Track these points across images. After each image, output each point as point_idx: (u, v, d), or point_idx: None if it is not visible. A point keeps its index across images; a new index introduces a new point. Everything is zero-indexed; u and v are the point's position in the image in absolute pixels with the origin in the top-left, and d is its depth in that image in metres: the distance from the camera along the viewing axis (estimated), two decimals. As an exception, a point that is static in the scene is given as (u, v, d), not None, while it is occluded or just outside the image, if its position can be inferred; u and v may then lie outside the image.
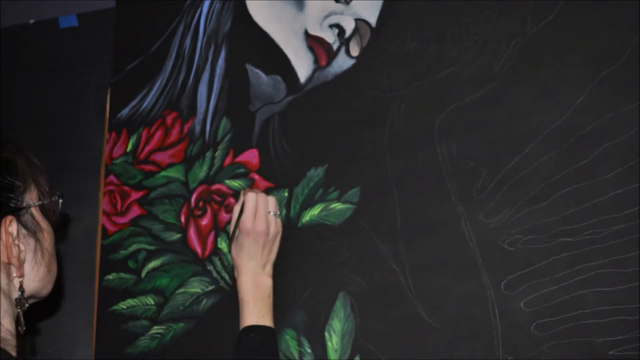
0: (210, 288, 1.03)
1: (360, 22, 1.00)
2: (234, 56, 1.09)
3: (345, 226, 0.95)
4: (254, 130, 1.05)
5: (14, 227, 0.74)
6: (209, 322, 1.02)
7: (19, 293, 0.75)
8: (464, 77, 0.91)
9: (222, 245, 1.04)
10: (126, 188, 1.15)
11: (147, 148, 1.14)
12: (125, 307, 1.10)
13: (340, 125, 0.98)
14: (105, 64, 1.24)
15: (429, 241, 0.89)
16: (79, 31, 1.32)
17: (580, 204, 0.82)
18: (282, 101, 1.03)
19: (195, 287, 1.04)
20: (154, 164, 1.12)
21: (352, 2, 1.01)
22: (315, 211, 0.97)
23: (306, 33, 1.03)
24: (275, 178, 1.01)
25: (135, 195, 1.13)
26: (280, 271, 0.97)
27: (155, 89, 1.15)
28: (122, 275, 1.11)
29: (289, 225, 0.99)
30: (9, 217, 0.74)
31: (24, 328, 0.75)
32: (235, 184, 1.04)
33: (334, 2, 1.02)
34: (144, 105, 1.16)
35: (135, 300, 1.09)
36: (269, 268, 0.94)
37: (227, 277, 1.02)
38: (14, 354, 0.72)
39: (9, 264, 0.74)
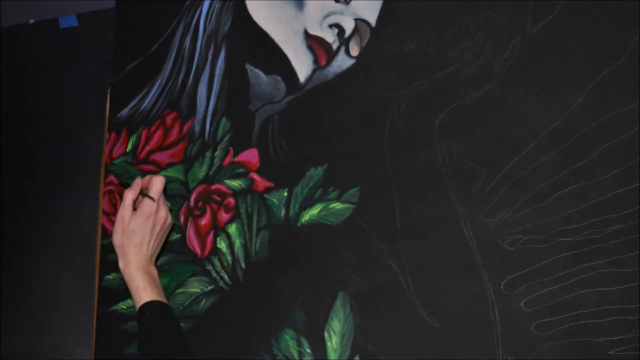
0: (209, 288, 1.03)
1: (360, 22, 1.00)
2: (233, 56, 1.09)
3: (344, 226, 0.95)
4: (254, 130, 1.05)
5: None
6: (208, 322, 1.02)
7: None
8: (464, 77, 0.91)
9: (222, 245, 1.03)
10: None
11: (147, 148, 1.14)
12: (125, 307, 1.10)
13: (339, 125, 0.98)
14: (105, 64, 1.24)
15: (428, 241, 0.89)
16: (79, 31, 1.32)
17: (580, 204, 0.82)
18: (281, 101, 1.03)
19: (195, 287, 1.04)
20: (153, 163, 1.12)
21: (352, 2, 1.00)
22: (314, 211, 0.97)
23: (306, 33, 1.03)
24: (275, 178, 1.01)
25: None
26: (280, 271, 0.97)
27: (155, 88, 1.15)
28: (122, 275, 1.11)
29: (288, 225, 0.99)
30: None
31: None
32: (235, 183, 1.04)
33: (333, 2, 1.02)
34: (144, 105, 1.16)
35: (135, 300, 1.09)
36: (154, 260, 0.98)
37: (226, 277, 1.02)
38: None
39: None
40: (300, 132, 1.01)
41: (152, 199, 0.95)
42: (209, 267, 1.04)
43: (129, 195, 0.96)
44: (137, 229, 0.95)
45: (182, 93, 1.13)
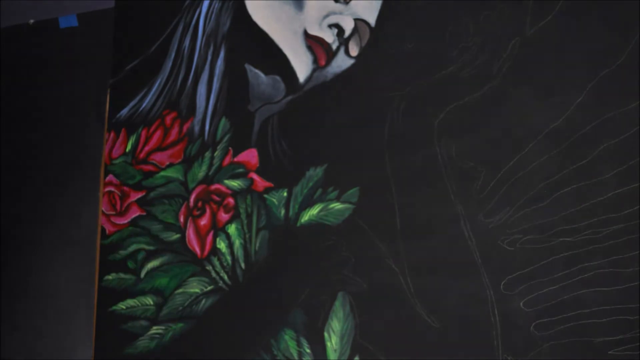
0: (209, 288, 1.03)
1: (359, 22, 1.00)
2: (233, 56, 1.09)
3: (344, 226, 0.95)
4: (253, 130, 1.05)
5: None
6: (207, 322, 1.02)
7: None
8: (463, 76, 0.91)
9: (221, 245, 1.04)
10: (125, 188, 1.15)
11: (147, 148, 1.14)
12: (124, 307, 1.10)
13: (339, 125, 0.98)
14: (105, 64, 1.24)
15: (428, 241, 0.89)
16: (79, 31, 1.32)
17: (580, 203, 0.82)
18: (281, 101, 1.03)
19: (194, 287, 1.04)
20: (153, 164, 1.12)
21: (352, 2, 1.00)
22: (314, 211, 0.97)
23: (305, 33, 1.03)
24: (274, 178, 1.01)
25: (135, 195, 1.13)
26: (280, 271, 0.97)
27: (154, 88, 1.15)
28: (122, 275, 1.11)
29: (288, 225, 0.99)
30: None
31: None
32: (234, 183, 1.04)
33: (333, 2, 1.02)
34: (143, 105, 1.16)
35: (135, 300, 1.09)
36: None
37: (225, 277, 1.02)
38: None
39: None
40: (299, 132, 1.01)
41: None
42: (209, 267, 1.04)
43: None
44: None
45: (181, 93, 1.13)
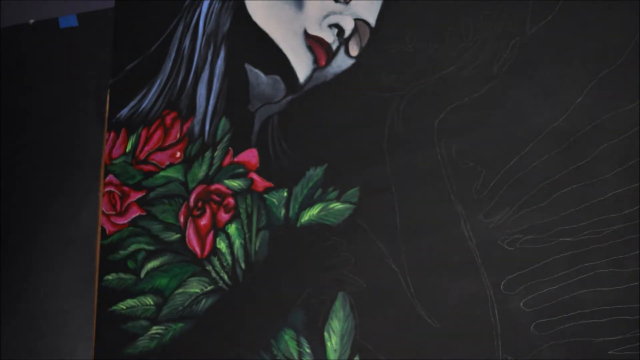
0: (209, 288, 1.03)
1: (359, 22, 1.00)
2: (233, 56, 1.09)
3: (344, 226, 0.95)
4: (253, 130, 1.05)
5: None
6: (207, 322, 1.02)
7: None
8: (463, 76, 0.91)
9: (221, 245, 1.04)
10: (125, 188, 1.15)
11: (147, 148, 1.14)
12: (124, 307, 1.10)
13: (339, 125, 0.98)
14: (105, 64, 1.24)
15: (428, 241, 0.89)
16: (79, 31, 1.32)
17: (580, 203, 0.82)
18: (281, 101, 1.03)
19: (194, 287, 1.04)
20: (153, 164, 1.12)
21: (352, 2, 1.00)
22: (314, 211, 0.97)
23: (305, 33, 1.03)
24: (275, 178, 1.01)
25: (135, 195, 1.13)
26: (280, 271, 0.97)
27: (154, 89, 1.15)
28: (122, 275, 1.11)
29: (288, 225, 0.99)
30: None
31: None
32: (235, 183, 1.04)
33: (333, 2, 1.02)
34: (144, 105, 1.16)
35: (135, 300, 1.09)
36: None
37: (225, 277, 1.02)
38: None
39: None
40: (299, 132, 1.01)
41: None
42: (209, 267, 1.04)
43: None
44: None
45: (181, 93, 1.13)
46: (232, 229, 1.03)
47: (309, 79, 1.02)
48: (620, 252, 0.79)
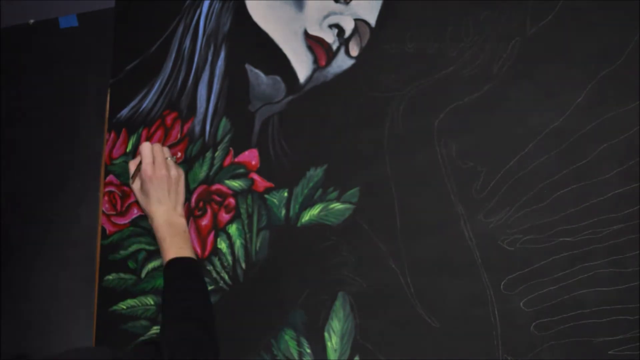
0: (209, 288, 1.03)
1: (359, 22, 1.00)
2: (233, 56, 1.09)
3: (344, 226, 0.95)
4: (254, 130, 1.05)
5: None
6: (208, 322, 1.02)
7: None
8: (463, 77, 0.91)
9: (222, 245, 1.04)
10: (126, 188, 1.15)
11: (147, 148, 1.13)
12: (125, 307, 1.10)
13: (339, 125, 0.98)
14: (105, 64, 1.24)
15: (428, 241, 0.89)
16: (79, 31, 1.32)
17: (580, 203, 0.82)
18: (281, 101, 1.03)
19: (195, 287, 1.04)
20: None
21: (352, 2, 1.00)
22: (314, 211, 0.97)
23: (306, 33, 1.03)
24: (275, 178, 1.01)
25: (135, 195, 1.13)
26: (280, 271, 0.97)
27: (154, 89, 1.15)
28: (122, 275, 1.11)
29: (289, 225, 0.99)
30: None
31: None
32: (235, 184, 1.04)
33: (333, 2, 1.02)
34: (144, 105, 1.16)
35: (135, 300, 1.09)
36: (180, 209, 1.04)
37: (226, 277, 1.02)
38: None
39: None
40: (300, 133, 1.01)
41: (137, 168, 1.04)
42: (210, 267, 1.04)
43: (131, 166, 1.06)
44: (148, 191, 1.02)
45: (182, 93, 1.13)
46: (232, 229, 1.03)
47: (309, 79, 1.02)
48: (620, 252, 0.79)
